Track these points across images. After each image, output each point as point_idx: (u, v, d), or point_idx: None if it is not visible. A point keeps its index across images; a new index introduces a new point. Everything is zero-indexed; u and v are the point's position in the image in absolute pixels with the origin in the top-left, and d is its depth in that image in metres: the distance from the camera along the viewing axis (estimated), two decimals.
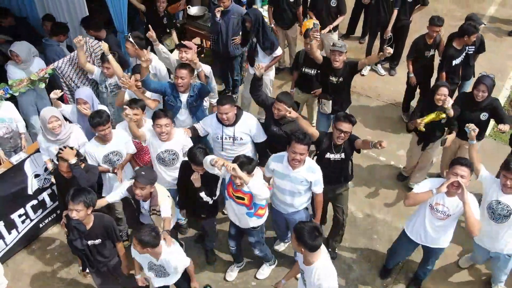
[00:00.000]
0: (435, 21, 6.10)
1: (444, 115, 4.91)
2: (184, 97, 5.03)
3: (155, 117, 4.44)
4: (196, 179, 4.28)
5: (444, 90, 4.96)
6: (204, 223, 4.79)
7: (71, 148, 4.29)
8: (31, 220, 5.24)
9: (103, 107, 5.06)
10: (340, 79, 5.36)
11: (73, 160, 4.17)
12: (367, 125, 6.89)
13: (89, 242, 4.00)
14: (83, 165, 4.28)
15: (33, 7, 6.79)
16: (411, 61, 6.43)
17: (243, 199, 4.17)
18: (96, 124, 4.41)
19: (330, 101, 5.51)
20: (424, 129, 4.97)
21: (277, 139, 4.75)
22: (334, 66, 5.26)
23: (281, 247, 5.29)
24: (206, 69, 5.36)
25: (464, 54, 6.07)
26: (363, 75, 7.78)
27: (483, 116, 5.12)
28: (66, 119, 4.91)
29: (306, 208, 4.63)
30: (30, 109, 5.78)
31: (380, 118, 7.06)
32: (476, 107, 5.12)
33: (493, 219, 4.20)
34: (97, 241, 4.02)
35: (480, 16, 9.36)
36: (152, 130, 4.59)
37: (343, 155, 4.49)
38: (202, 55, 8.17)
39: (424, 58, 6.33)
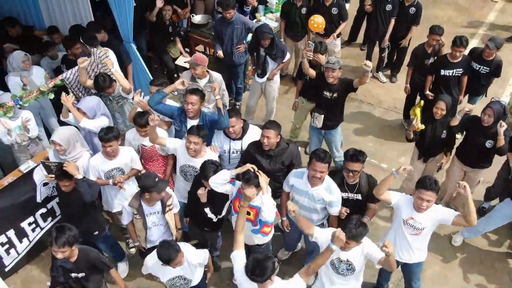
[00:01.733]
0: (436, 30, 6.17)
1: (422, 102, 5.14)
2: (191, 124, 4.81)
3: (189, 132, 4.48)
4: (202, 194, 4.30)
5: (441, 104, 4.98)
6: (206, 235, 4.84)
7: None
8: (41, 229, 5.31)
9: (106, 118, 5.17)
10: (334, 95, 5.38)
11: (79, 176, 4.23)
12: (369, 132, 6.99)
13: (73, 275, 4.00)
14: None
15: (40, 16, 6.89)
16: (412, 70, 6.51)
17: (249, 214, 4.15)
18: (101, 139, 4.51)
19: (322, 116, 5.52)
20: (424, 127, 5.04)
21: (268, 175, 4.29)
22: (328, 81, 5.28)
23: (284, 256, 5.31)
24: (217, 76, 5.46)
25: (461, 70, 5.99)
26: None
27: (488, 143, 4.94)
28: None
29: (323, 224, 4.64)
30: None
31: (382, 125, 7.16)
32: (482, 132, 4.95)
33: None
34: (81, 275, 4.01)
35: (479, 23, 9.54)
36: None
37: (359, 196, 4.40)
38: None
39: (423, 66, 6.39)
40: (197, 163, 4.47)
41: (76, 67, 5.30)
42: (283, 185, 4.54)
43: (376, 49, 7.76)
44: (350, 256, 3.82)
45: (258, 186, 3.94)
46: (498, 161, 5.44)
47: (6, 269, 5.15)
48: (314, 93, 5.83)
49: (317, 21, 6.52)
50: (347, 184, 4.38)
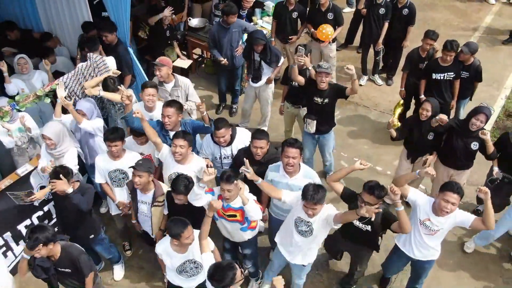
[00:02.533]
0: (430, 35, 6.23)
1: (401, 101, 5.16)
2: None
3: (174, 136, 4.52)
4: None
5: (427, 105, 5.05)
6: None
7: (65, 169, 4.37)
8: None
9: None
10: (325, 100, 5.38)
11: (69, 190, 4.25)
12: (365, 135, 7.03)
13: (60, 269, 4.04)
14: (77, 185, 4.38)
15: (38, 19, 6.94)
16: (406, 73, 6.56)
17: (235, 216, 4.23)
18: (106, 139, 4.60)
19: (315, 121, 5.53)
20: (399, 124, 5.10)
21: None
22: (319, 87, 5.28)
23: None
24: (184, 80, 5.54)
25: (452, 73, 6.03)
26: (360, 85, 7.93)
27: (474, 145, 5.04)
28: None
29: None
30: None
31: (377, 128, 7.18)
32: (468, 134, 5.01)
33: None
34: (67, 270, 4.06)
35: (476, 25, 9.59)
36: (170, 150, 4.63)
37: (369, 227, 4.30)
38: (203, 65, 8.33)
39: (418, 70, 6.43)
40: (185, 170, 4.51)
41: (72, 72, 5.34)
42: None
43: (372, 52, 7.80)
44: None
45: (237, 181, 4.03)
46: (487, 163, 5.49)
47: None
48: (301, 98, 5.92)
49: (327, 31, 6.53)
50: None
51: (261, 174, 4.48)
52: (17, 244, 5.19)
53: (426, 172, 4.12)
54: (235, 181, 3.98)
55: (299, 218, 4.03)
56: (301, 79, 5.42)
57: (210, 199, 4.11)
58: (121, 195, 4.94)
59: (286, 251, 4.36)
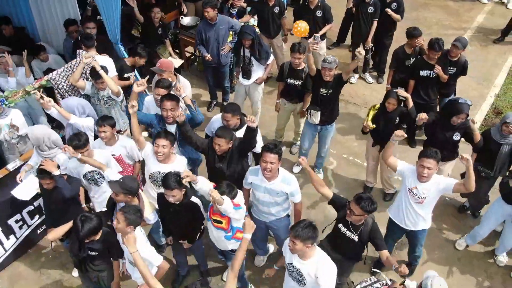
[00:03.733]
0: (412, 32, 6.29)
1: (377, 105, 5.36)
2: (172, 129, 4.90)
3: (156, 136, 4.56)
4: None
5: (391, 100, 5.26)
6: (191, 248, 4.81)
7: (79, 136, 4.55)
8: (28, 226, 5.44)
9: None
10: (330, 91, 5.52)
11: (56, 172, 4.34)
12: (353, 132, 7.10)
13: (89, 252, 4.14)
14: (65, 177, 4.47)
15: (31, 17, 7.00)
16: (393, 71, 6.62)
17: (220, 222, 4.23)
18: (96, 123, 4.76)
19: (319, 112, 5.63)
20: (374, 126, 5.30)
21: (221, 177, 4.56)
22: (325, 79, 5.43)
23: (261, 262, 5.38)
24: (184, 82, 5.61)
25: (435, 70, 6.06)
26: (351, 83, 8.01)
27: (456, 136, 5.20)
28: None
29: (288, 215, 4.77)
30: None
31: None
32: (450, 128, 5.19)
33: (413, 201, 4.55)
34: (94, 253, 4.14)
35: (468, 25, 9.66)
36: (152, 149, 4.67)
37: (356, 238, 4.25)
38: (195, 63, 8.40)
39: (404, 67, 6.49)
40: (167, 169, 4.45)
41: (62, 68, 5.42)
42: (243, 182, 4.65)
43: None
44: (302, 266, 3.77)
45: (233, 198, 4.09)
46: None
47: None
48: (298, 94, 6.04)
49: (301, 26, 6.54)
50: (351, 223, 4.23)
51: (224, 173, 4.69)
52: (7, 238, 5.27)
53: (397, 135, 4.45)
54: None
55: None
56: (314, 68, 5.55)
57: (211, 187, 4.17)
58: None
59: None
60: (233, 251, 4.45)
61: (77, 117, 5.11)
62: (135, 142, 4.82)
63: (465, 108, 5.00)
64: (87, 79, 5.71)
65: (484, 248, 5.59)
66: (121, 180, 4.14)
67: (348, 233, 4.27)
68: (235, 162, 4.76)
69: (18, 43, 6.58)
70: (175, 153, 4.72)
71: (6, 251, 5.31)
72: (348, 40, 8.80)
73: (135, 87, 4.76)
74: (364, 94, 7.85)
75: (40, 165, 4.33)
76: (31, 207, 5.39)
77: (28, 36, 7.04)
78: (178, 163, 4.66)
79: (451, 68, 6.20)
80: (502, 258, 5.39)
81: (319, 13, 7.00)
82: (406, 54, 6.48)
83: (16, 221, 5.29)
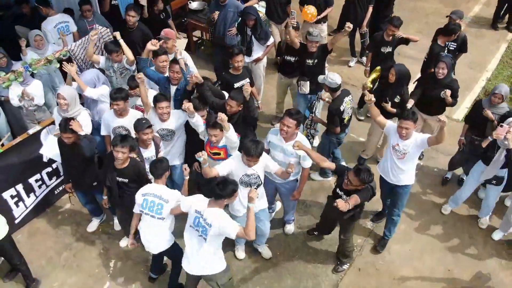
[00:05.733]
0: (393, 22, 6.51)
1: (378, 68, 5.83)
2: (173, 90, 5.56)
3: (156, 100, 5.09)
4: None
5: (392, 71, 5.66)
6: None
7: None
8: (47, 186, 5.92)
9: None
10: (315, 61, 6.03)
11: (82, 132, 4.85)
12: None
13: (119, 179, 4.71)
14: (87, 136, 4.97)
15: None
16: (371, 54, 6.93)
17: (219, 154, 4.89)
18: (110, 97, 5.15)
19: (308, 82, 6.12)
20: (371, 86, 5.69)
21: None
22: (309, 50, 5.96)
23: (291, 230, 5.79)
24: (185, 54, 6.04)
25: (446, 50, 6.56)
26: (350, 66, 8.45)
27: (443, 94, 5.64)
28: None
29: (296, 180, 5.21)
30: (46, 90, 6.48)
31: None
32: (437, 85, 5.68)
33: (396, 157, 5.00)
34: (126, 180, 4.71)
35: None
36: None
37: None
38: (202, 47, 8.87)
39: (381, 53, 6.73)
40: (170, 125, 5.21)
41: (80, 41, 5.91)
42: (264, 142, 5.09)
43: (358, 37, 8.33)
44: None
45: (221, 129, 4.66)
46: (457, 133, 6.10)
47: (16, 221, 5.72)
48: (293, 70, 6.52)
49: (311, 11, 7.01)
50: (343, 187, 4.65)
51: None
52: (28, 196, 5.74)
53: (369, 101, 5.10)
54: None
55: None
56: (296, 42, 6.08)
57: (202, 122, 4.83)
58: None
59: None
60: None
61: (92, 90, 5.57)
62: (143, 105, 5.32)
63: (443, 57, 5.66)
64: (102, 54, 6.20)
65: (468, 212, 6.00)
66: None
67: (344, 197, 4.66)
68: (240, 127, 5.17)
69: (34, 22, 6.99)
70: (172, 112, 5.25)
71: (26, 208, 5.78)
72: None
73: (149, 45, 5.48)
74: (362, 76, 8.21)
75: (66, 124, 4.76)
76: (50, 169, 5.85)
77: (42, 15, 7.47)
78: (176, 116, 5.25)
79: (452, 43, 6.60)
80: (484, 221, 5.80)
81: None
82: (384, 41, 6.67)
83: (36, 181, 5.75)
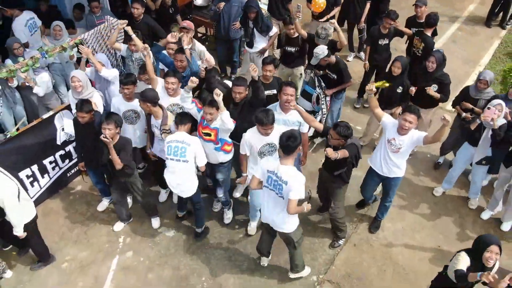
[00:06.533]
0: (390, 15, 6.87)
1: (387, 84, 5.89)
2: None
3: (166, 75, 5.47)
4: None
5: (397, 63, 5.95)
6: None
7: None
8: (60, 168, 6.25)
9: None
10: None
11: (96, 108, 5.22)
12: (347, 101, 7.82)
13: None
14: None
15: None
16: (369, 48, 7.26)
17: (210, 135, 5.08)
18: (121, 82, 5.53)
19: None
20: (375, 91, 5.94)
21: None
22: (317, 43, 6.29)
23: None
24: (200, 47, 6.48)
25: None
26: (348, 61, 8.80)
27: (433, 87, 5.95)
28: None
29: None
30: (58, 78, 6.99)
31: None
32: (428, 78, 5.99)
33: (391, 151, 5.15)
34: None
35: (460, 13, 10.41)
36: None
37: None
38: (207, 43, 9.22)
39: (378, 46, 7.12)
40: (175, 101, 5.55)
41: (92, 30, 6.32)
42: None
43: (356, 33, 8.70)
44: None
45: (218, 109, 4.90)
46: (451, 123, 6.32)
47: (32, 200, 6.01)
48: (292, 60, 6.90)
49: (319, 3, 7.41)
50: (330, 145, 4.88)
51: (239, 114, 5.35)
52: (42, 176, 6.07)
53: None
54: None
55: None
56: (303, 33, 6.53)
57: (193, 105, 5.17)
58: (130, 133, 5.80)
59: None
60: (223, 163, 5.33)
61: (107, 70, 5.92)
62: (150, 80, 5.67)
63: (433, 52, 5.97)
64: (124, 42, 6.60)
65: (458, 193, 6.33)
66: (142, 92, 5.14)
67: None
68: (247, 111, 5.37)
69: (49, 18, 7.46)
70: (180, 89, 5.52)
71: (41, 188, 6.12)
72: (345, 25, 9.59)
73: (169, 37, 6.07)
74: (359, 70, 8.56)
75: (82, 100, 5.15)
76: (63, 152, 6.19)
77: (59, 12, 7.90)
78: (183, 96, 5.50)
79: (420, 29, 7.03)
80: (474, 202, 6.11)
81: None
82: (381, 34, 7.04)
83: (50, 162, 6.09)
